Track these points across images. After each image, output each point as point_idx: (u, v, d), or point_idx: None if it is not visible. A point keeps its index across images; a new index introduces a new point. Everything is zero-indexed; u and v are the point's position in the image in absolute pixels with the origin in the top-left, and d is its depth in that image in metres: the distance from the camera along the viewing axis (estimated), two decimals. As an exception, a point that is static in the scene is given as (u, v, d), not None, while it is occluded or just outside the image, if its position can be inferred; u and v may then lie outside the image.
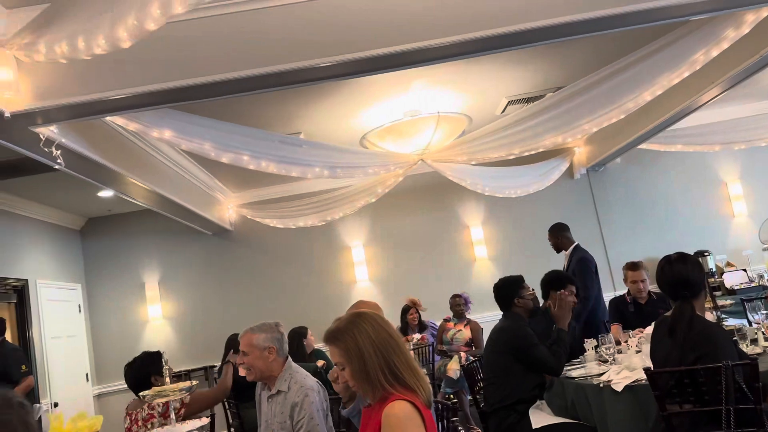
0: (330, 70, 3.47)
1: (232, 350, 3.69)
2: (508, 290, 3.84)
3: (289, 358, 3.02)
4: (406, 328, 6.78)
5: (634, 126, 6.55)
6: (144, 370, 3.17)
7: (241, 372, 2.97)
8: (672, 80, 4.40)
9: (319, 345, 5.65)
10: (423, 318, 6.86)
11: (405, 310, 6.83)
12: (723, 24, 3.98)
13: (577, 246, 5.53)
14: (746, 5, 3.58)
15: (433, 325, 6.86)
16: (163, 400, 2.34)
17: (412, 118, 5.77)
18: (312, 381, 2.91)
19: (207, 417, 2.55)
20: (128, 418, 3.10)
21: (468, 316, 6.43)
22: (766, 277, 6.78)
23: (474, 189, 6.73)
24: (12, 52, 2.95)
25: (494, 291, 3.91)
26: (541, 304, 4.20)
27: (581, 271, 5.15)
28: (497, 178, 6.87)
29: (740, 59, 4.72)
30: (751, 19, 3.89)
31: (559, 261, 5.58)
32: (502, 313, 3.90)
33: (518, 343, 3.63)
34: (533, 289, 4.01)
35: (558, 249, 5.68)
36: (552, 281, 4.05)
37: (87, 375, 7.40)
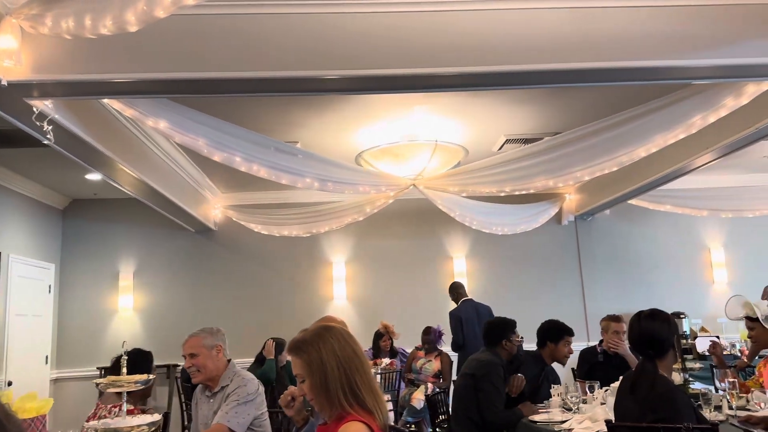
0: (335, 83, 3.49)
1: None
2: (500, 330, 3.92)
3: (232, 360, 3.15)
4: (378, 353, 6.71)
5: (626, 180, 6.62)
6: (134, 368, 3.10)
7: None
8: (667, 140, 4.46)
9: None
10: (395, 344, 6.81)
11: (378, 336, 6.77)
12: (723, 92, 4.06)
13: (463, 301, 6.65)
14: (748, 77, 3.65)
15: (403, 353, 6.81)
16: (117, 390, 2.28)
17: (410, 142, 5.80)
18: (253, 377, 3.08)
19: (159, 414, 2.48)
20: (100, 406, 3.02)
21: (440, 347, 6.39)
22: (738, 347, 6.81)
23: (462, 221, 6.75)
24: (18, 22, 2.93)
25: (485, 326, 4.00)
26: (535, 350, 4.23)
27: (449, 322, 6.41)
28: (486, 214, 6.89)
29: (736, 129, 4.80)
30: (751, 90, 3.96)
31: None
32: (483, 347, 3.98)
33: (483, 372, 3.71)
34: (522, 337, 4.06)
35: (456, 302, 6.72)
36: (550, 330, 4.09)
37: (47, 357, 7.25)
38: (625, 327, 4.55)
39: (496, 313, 7.31)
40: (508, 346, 3.88)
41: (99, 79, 3.28)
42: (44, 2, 2.74)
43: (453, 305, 6.76)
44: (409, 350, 6.71)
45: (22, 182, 6.73)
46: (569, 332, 4.14)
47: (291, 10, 3.38)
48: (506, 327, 3.93)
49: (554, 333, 4.08)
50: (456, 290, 6.81)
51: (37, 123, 3.66)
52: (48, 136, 3.81)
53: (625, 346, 4.28)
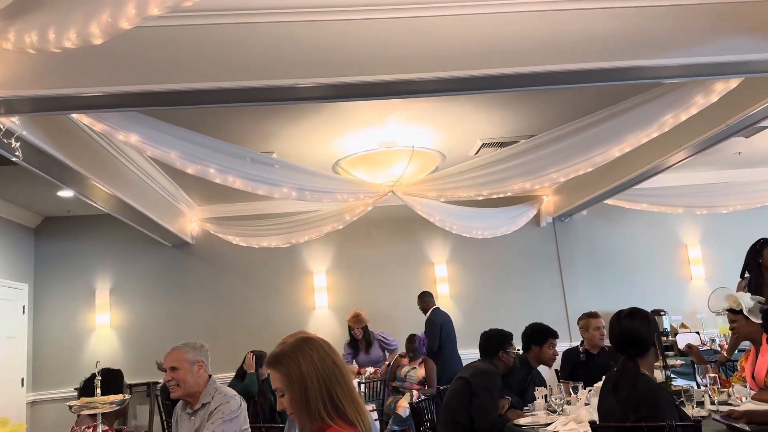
0: (310, 92, 3.46)
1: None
2: (496, 341, 3.93)
3: (213, 376, 3.12)
4: (356, 346, 6.77)
5: (601, 181, 6.68)
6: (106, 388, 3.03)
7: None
8: (641, 139, 4.51)
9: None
10: (374, 330, 6.84)
11: (349, 330, 6.81)
12: (693, 90, 4.11)
13: (435, 309, 6.92)
14: (716, 74, 3.70)
15: (383, 338, 6.80)
16: (92, 411, 2.22)
17: (387, 149, 5.78)
18: (235, 393, 3.07)
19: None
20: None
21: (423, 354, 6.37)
22: (717, 342, 6.88)
23: (442, 226, 6.74)
24: (-20, 37, 2.86)
25: (482, 338, 3.99)
26: (521, 353, 4.24)
27: (427, 330, 6.63)
28: (466, 218, 6.90)
29: (707, 126, 4.87)
30: (720, 88, 4.02)
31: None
32: (478, 357, 3.98)
33: (480, 378, 3.70)
34: (518, 349, 4.06)
35: (425, 311, 6.97)
36: (534, 333, 4.10)
37: (23, 380, 7.07)
38: (603, 322, 4.59)
39: (478, 318, 7.36)
40: (504, 358, 3.88)
41: (66, 93, 3.21)
42: (6, 17, 2.67)
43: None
44: (389, 336, 6.83)
45: (-9, 201, 6.59)
46: (554, 334, 4.16)
47: (262, 19, 3.34)
48: (503, 339, 3.93)
49: (538, 336, 4.10)
50: (426, 298, 7.05)
51: (5, 140, 3.57)
52: (16, 154, 3.72)
53: None
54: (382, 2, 3.36)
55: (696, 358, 4.00)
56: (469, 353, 6.28)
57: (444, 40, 3.39)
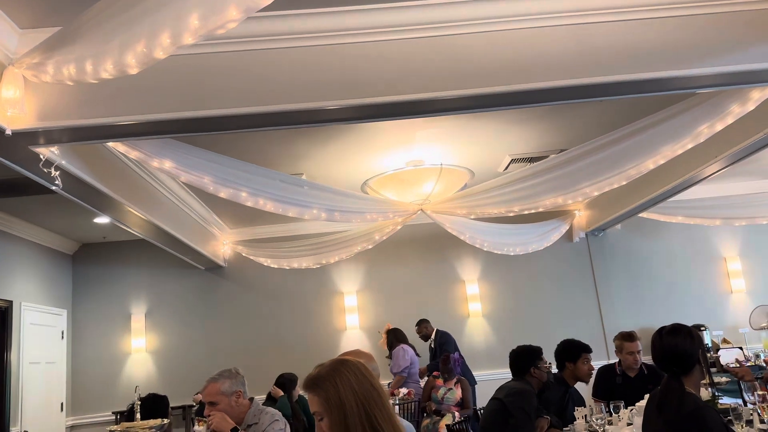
0: (337, 114, 3.48)
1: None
2: (526, 358, 3.85)
3: (255, 398, 3.09)
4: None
5: (635, 194, 6.56)
6: (151, 413, 3.06)
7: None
8: (675, 151, 4.41)
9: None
10: (398, 339, 6.89)
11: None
12: (728, 99, 4.02)
13: (440, 331, 7.14)
14: (752, 83, 3.62)
15: (400, 351, 6.78)
16: (131, 437, 2.24)
17: (415, 167, 5.78)
18: (278, 412, 3.08)
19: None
20: None
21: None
22: (762, 357, 6.66)
23: (472, 243, 6.69)
24: (20, 71, 2.96)
25: (511, 356, 3.92)
26: (556, 372, 4.15)
27: (447, 344, 6.87)
28: (496, 234, 6.83)
29: (744, 136, 4.75)
30: (756, 96, 3.92)
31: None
32: (511, 377, 3.91)
33: (514, 398, 3.63)
34: (550, 363, 3.98)
35: (426, 338, 7.19)
36: (565, 350, 4.02)
37: (62, 404, 7.18)
38: (638, 346, 4.40)
39: (511, 336, 7.24)
40: (537, 374, 3.80)
41: (103, 123, 3.28)
42: (45, 50, 2.76)
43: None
44: (401, 356, 6.78)
45: (30, 229, 6.76)
46: (586, 349, 4.06)
47: (290, 44, 3.39)
48: (532, 354, 3.85)
49: (571, 352, 4.01)
50: (426, 324, 7.23)
51: (45, 170, 3.67)
52: (56, 182, 3.82)
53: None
54: (404, 22, 3.38)
55: (746, 376, 3.83)
56: (501, 373, 6.17)
57: (468, 57, 3.39)
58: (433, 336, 7.15)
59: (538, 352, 3.88)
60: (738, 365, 3.90)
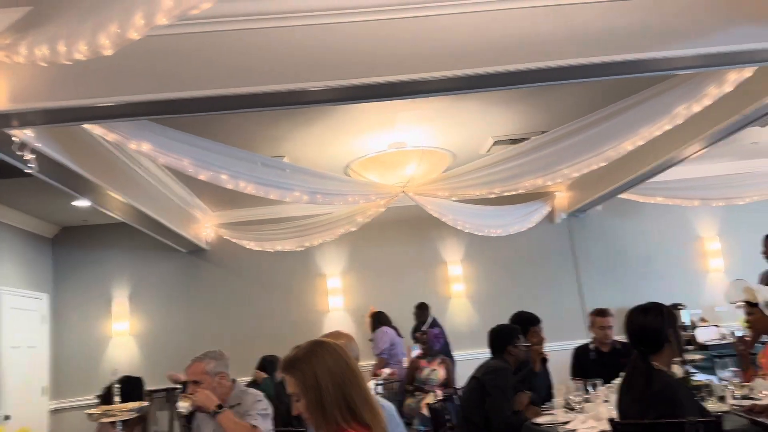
0: (318, 95, 3.46)
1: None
2: (503, 337, 3.88)
3: (237, 380, 3.13)
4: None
5: (615, 175, 6.62)
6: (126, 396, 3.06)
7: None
8: (653, 132, 4.46)
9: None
10: (381, 322, 6.94)
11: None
12: (706, 81, 4.05)
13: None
14: (729, 64, 3.65)
15: (381, 333, 6.84)
16: (110, 419, 2.24)
17: (397, 150, 5.78)
18: (262, 393, 3.11)
19: None
20: None
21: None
22: (738, 335, 6.79)
23: (455, 225, 6.72)
24: (-8, 52, 2.89)
25: (489, 334, 3.97)
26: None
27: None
28: (478, 216, 6.87)
29: (721, 117, 4.80)
30: (733, 77, 3.96)
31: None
32: (490, 355, 3.94)
33: (491, 376, 3.68)
34: (529, 343, 4.03)
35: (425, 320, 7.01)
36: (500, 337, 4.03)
37: (44, 388, 7.15)
38: (611, 321, 4.53)
39: (494, 317, 7.30)
40: (514, 352, 3.85)
41: (78, 104, 3.24)
42: (17, 31, 2.71)
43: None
44: (380, 337, 6.87)
45: (8, 213, 6.66)
46: (533, 322, 4.23)
47: (269, 24, 3.35)
48: (510, 333, 3.90)
49: (507, 338, 3.93)
50: (423, 310, 7.19)
51: (18, 153, 3.61)
52: (30, 165, 3.76)
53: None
54: (387, 3, 3.35)
55: (743, 357, 3.85)
56: (484, 353, 6.24)
57: (451, 38, 3.37)
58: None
59: (516, 330, 3.94)
60: (740, 343, 3.91)
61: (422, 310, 7.18)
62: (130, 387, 3.07)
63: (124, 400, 2.23)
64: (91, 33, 2.40)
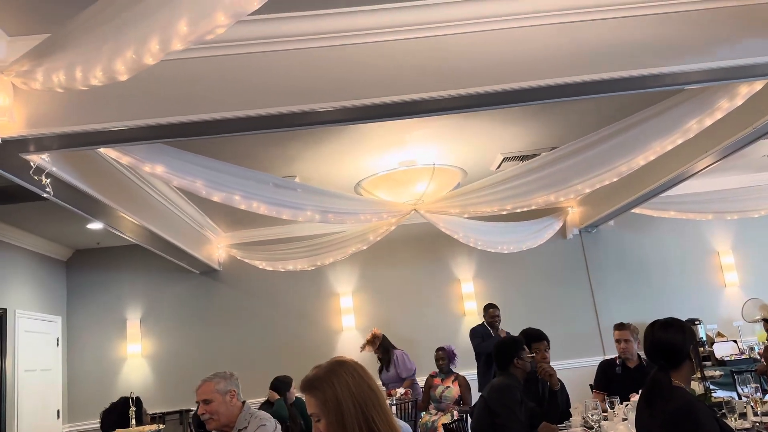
0: (329, 115, 3.49)
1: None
2: (508, 350, 3.82)
3: (247, 402, 3.13)
4: (382, 365, 6.83)
5: (627, 190, 6.59)
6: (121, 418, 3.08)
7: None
8: (665, 147, 4.44)
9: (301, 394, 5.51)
10: (391, 344, 6.83)
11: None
12: (717, 94, 4.05)
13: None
14: (740, 78, 3.65)
15: (397, 361, 6.72)
16: (128, 443, 2.24)
17: (408, 168, 5.80)
18: (269, 416, 3.08)
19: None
20: None
21: (455, 371, 6.31)
22: (756, 350, 6.69)
23: (466, 242, 6.70)
24: (10, 79, 2.95)
25: (494, 349, 3.91)
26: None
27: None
28: (490, 233, 6.85)
29: (733, 131, 4.79)
30: (744, 91, 3.95)
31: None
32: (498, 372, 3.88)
33: (496, 396, 3.62)
34: (534, 354, 3.98)
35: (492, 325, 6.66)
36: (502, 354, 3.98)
37: (58, 411, 7.15)
38: (628, 335, 4.50)
39: (509, 333, 7.25)
40: (520, 365, 3.79)
41: (93, 129, 3.28)
42: (34, 58, 2.76)
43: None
44: (409, 357, 6.76)
45: (23, 236, 6.73)
46: (539, 338, 4.14)
47: (279, 47, 3.40)
48: (514, 345, 3.84)
49: (509, 355, 3.84)
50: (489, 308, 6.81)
51: (35, 177, 3.66)
52: (47, 190, 3.81)
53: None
54: (395, 23, 3.39)
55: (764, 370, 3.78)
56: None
57: (459, 57, 3.40)
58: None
59: (520, 342, 3.86)
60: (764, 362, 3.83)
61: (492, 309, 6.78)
62: (128, 409, 3.07)
63: (120, 422, 2.23)
64: (108, 59, 2.44)
